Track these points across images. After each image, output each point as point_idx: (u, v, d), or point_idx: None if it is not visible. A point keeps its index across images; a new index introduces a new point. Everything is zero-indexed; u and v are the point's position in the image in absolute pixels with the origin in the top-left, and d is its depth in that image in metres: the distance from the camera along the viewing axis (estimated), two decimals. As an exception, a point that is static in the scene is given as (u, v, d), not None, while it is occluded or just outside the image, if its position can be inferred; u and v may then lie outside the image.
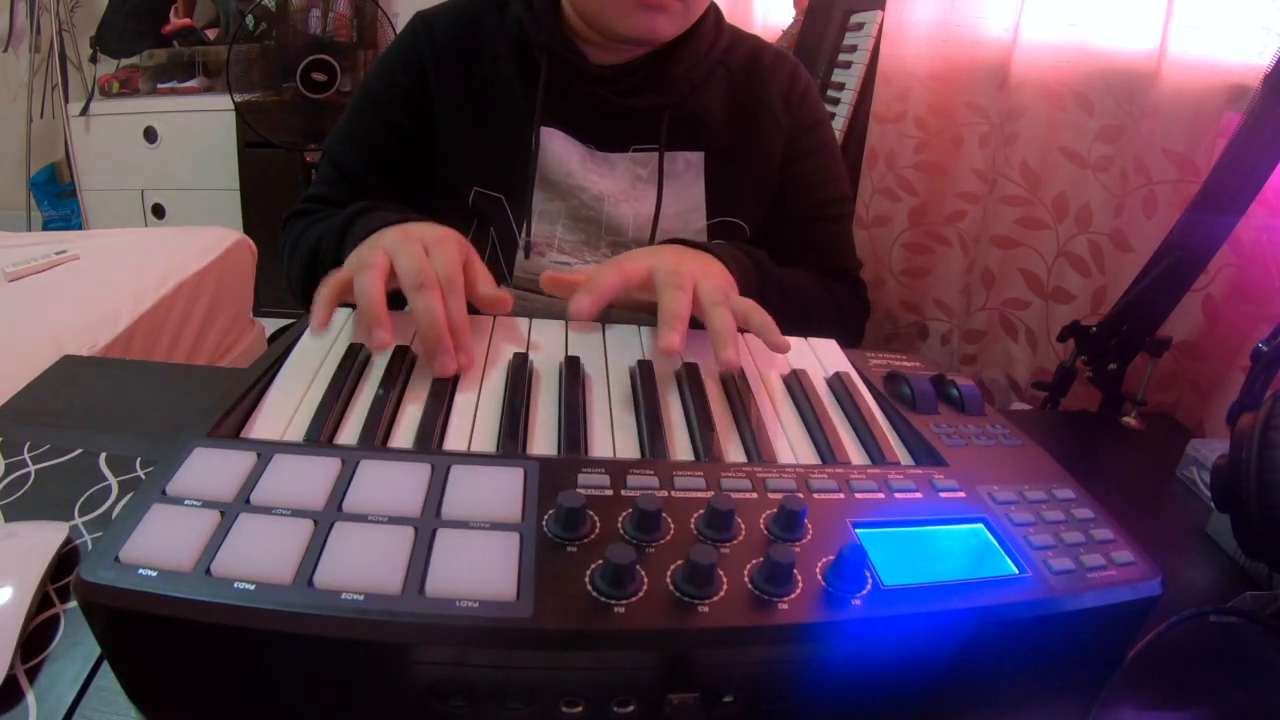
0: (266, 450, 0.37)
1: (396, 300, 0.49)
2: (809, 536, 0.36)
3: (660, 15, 0.65)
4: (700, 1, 0.68)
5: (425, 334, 0.47)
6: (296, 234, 0.72)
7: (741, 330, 0.51)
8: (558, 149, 0.72)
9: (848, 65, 1.43)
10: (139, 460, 0.52)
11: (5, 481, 0.49)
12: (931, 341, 1.34)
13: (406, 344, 0.50)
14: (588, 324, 0.55)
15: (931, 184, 1.28)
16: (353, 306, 0.51)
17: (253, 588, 0.30)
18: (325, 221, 0.67)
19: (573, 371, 0.48)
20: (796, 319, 0.57)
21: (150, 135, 2.43)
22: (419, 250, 0.49)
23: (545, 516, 0.35)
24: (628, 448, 0.43)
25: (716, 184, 0.76)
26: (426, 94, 0.73)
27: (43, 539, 0.42)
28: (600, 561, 0.32)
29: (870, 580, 0.34)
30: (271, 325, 1.85)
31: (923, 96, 1.24)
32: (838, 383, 0.53)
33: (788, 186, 0.79)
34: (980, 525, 0.39)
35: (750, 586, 0.33)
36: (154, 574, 0.30)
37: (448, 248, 0.50)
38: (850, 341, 0.62)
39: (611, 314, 0.55)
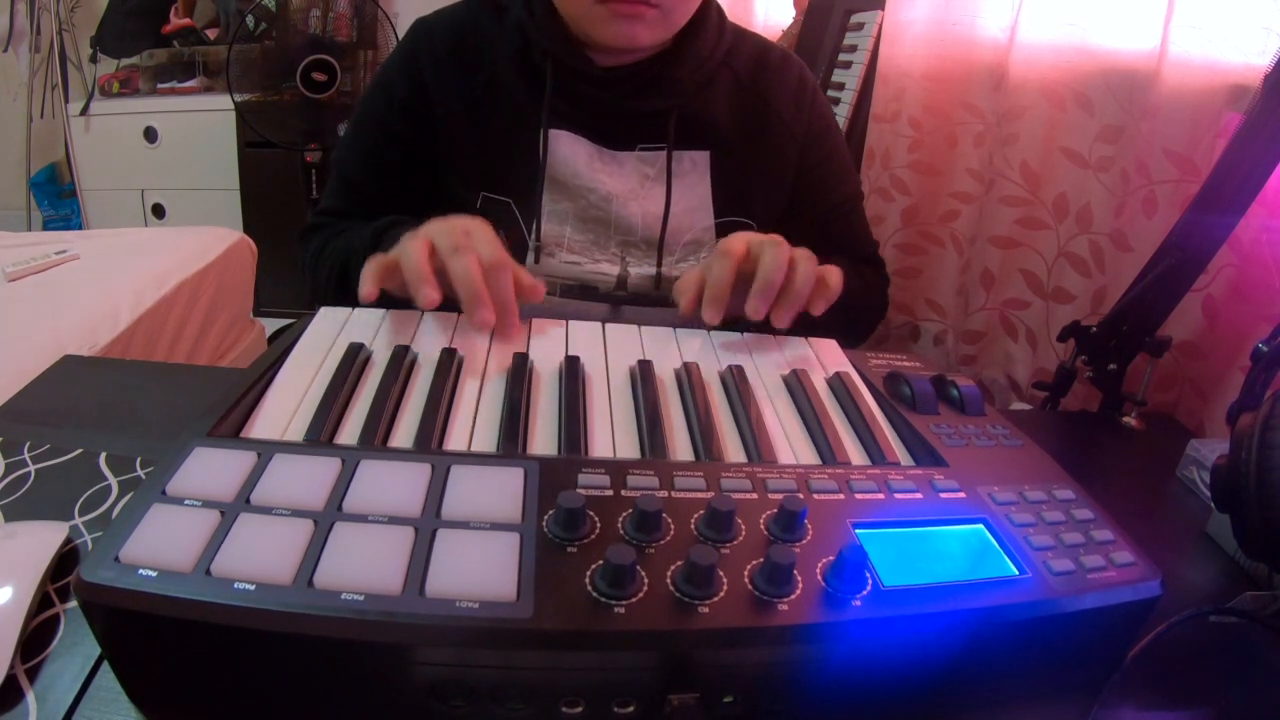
0: (266, 450, 0.37)
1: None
2: (809, 537, 0.36)
3: (638, 23, 0.65)
4: (683, 7, 0.67)
5: (463, 288, 0.51)
6: (318, 248, 0.75)
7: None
8: (565, 149, 0.72)
9: (848, 65, 1.43)
10: (139, 460, 0.52)
11: (5, 481, 0.49)
12: (924, 342, 1.34)
13: (406, 344, 0.50)
14: (592, 323, 0.57)
15: (925, 184, 1.28)
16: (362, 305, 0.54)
17: (253, 588, 0.30)
18: (349, 235, 0.71)
19: (573, 371, 0.48)
20: (847, 316, 0.60)
21: (150, 135, 2.43)
22: (459, 229, 0.54)
23: (545, 517, 0.35)
24: (628, 448, 0.43)
25: (723, 183, 0.76)
26: (427, 100, 0.73)
27: (43, 539, 0.42)
28: (600, 562, 0.32)
29: (870, 581, 0.34)
30: (271, 325, 1.85)
31: (918, 96, 1.24)
32: (838, 383, 0.53)
33: (806, 193, 0.79)
34: (980, 526, 0.39)
35: (750, 587, 0.33)
36: (154, 574, 0.30)
37: (487, 233, 0.55)
38: (877, 319, 0.62)
39: (622, 313, 0.56)
